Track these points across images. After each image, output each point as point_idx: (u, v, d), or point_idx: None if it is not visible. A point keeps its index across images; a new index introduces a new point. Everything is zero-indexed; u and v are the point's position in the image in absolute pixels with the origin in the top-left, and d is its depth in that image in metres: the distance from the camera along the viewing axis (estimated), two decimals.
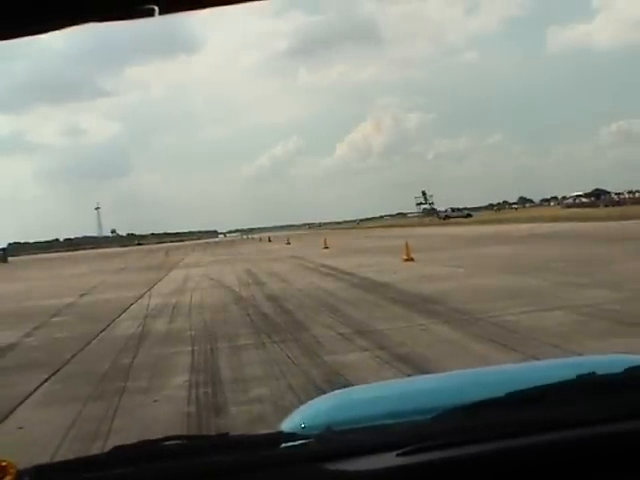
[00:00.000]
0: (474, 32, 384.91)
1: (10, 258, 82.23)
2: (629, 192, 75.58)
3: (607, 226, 31.24)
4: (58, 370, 8.16)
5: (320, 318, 10.30)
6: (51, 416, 6.05)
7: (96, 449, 4.73)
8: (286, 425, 1.39)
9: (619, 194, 77.43)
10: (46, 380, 7.63)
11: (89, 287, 22.04)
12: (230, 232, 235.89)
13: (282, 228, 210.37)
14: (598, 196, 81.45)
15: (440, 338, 7.88)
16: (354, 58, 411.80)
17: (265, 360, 7.53)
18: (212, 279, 20.68)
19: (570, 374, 1.25)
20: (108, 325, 11.83)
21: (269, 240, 66.17)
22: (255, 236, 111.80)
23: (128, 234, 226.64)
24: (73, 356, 9.03)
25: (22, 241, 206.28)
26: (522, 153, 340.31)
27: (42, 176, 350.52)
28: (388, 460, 1.07)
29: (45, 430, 5.60)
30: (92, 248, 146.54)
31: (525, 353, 6.55)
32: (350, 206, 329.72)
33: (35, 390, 7.18)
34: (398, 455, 1.07)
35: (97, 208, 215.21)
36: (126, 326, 11.55)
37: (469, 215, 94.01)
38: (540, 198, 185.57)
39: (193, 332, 10.11)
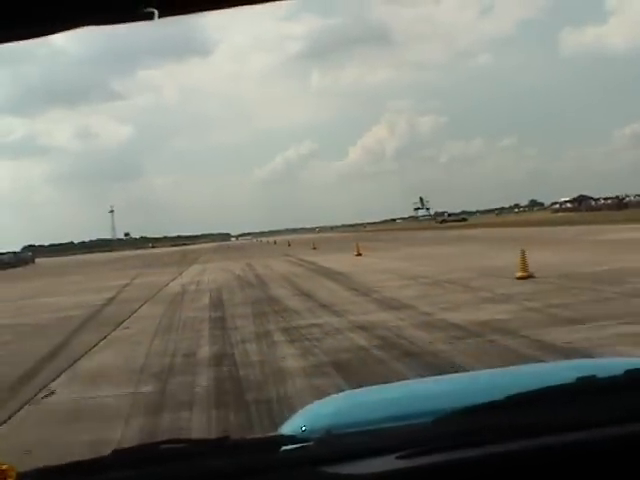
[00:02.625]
0: (487, 35, 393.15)
1: None
2: (605, 199, 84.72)
3: (546, 230, 40.53)
4: (145, 302, 17.65)
5: (277, 282, 19.85)
6: (153, 310, 15.56)
7: (177, 324, 14.19)
8: (286, 428, 1.45)
9: (597, 200, 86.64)
10: (142, 304, 17.14)
11: (132, 276, 31.65)
12: (243, 235, 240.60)
13: (294, 231, 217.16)
14: (580, 202, 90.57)
15: (325, 285, 17.45)
16: (367, 61, 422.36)
17: (244, 294, 17.17)
18: (222, 269, 30.35)
19: (570, 377, 1.30)
20: (161, 289, 21.42)
21: (274, 243, 76.54)
22: (264, 239, 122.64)
23: (141, 237, 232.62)
24: (150, 298, 18.57)
25: (36, 244, 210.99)
26: (535, 156, 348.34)
27: (55, 179, 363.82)
28: (388, 463, 1.11)
29: (152, 312, 15.07)
30: (106, 251, 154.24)
31: (345, 285, 16.10)
32: (362, 209, 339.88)
33: (140, 307, 16.69)
34: (398, 458, 1.11)
35: (111, 211, 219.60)
36: (172, 289, 21.16)
37: (464, 219, 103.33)
38: (551, 201, 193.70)
39: (208, 293, 19.67)
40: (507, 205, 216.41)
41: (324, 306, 13.01)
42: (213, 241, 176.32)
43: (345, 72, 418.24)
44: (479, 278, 15.23)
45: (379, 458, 1.13)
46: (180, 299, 17.59)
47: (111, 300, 19.36)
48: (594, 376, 1.30)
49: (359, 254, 29.88)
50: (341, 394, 1.87)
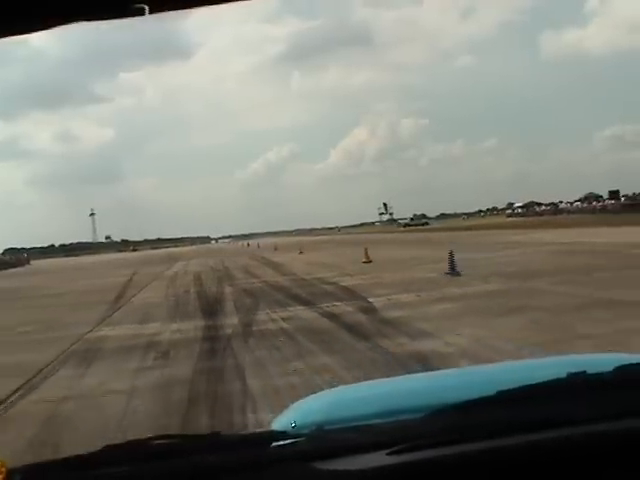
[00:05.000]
0: (469, 37, 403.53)
1: None
2: (546, 205, 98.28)
3: (463, 235, 52.99)
4: (153, 280, 29.72)
5: (237, 269, 32.10)
6: (161, 283, 27.67)
7: (177, 284, 26.36)
8: (277, 424, 1.50)
9: (540, 205, 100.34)
10: (152, 281, 29.19)
11: (132, 270, 43.40)
12: (223, 238, 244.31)
13: (275, 234, 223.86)
14: (528, 208, 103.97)
15: (263, 269, 29.80)
16: (349, 63, 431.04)
17: (213, 275, 29.48)
18: (200, 264, 42.57)
19: (561, 372, 1.33)
20: (159, 275, 33.49)
21: (247, 245, 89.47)
22: (240, 242, 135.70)
23: (122, 240, 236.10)
24: (155, 279, 30.67)
25: (18, 247, 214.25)
26: (517, 158, 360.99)
27: (36, 182, 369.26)
28: (378, 459, 1.14)
29: (161, 283, 27.16)
30: (88, 254, 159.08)
31: (276, 269, 28.39)
32: (343, 212, 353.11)
33: (150, 282, 28.74)
34: (388, 454, 1.15)
35: (92, 214, 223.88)
36: (168, 275, 33.32)
37: (426, 224, 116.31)
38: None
39: (192, 274, 31.79)
40: (484, 208, 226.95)
41: (255, 276, 25.27)
42: (193, 244, 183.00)
43: (327, 74, 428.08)
44: (348, 263, 27.51)
45: (370, 454, 1.16)
46: (175, 278, 29.81)
47: (129, 281, 31.44)
48: (585, 372, 1.35)
49: (301, 252, 42.31)
50: (332, 390, 1.96)
